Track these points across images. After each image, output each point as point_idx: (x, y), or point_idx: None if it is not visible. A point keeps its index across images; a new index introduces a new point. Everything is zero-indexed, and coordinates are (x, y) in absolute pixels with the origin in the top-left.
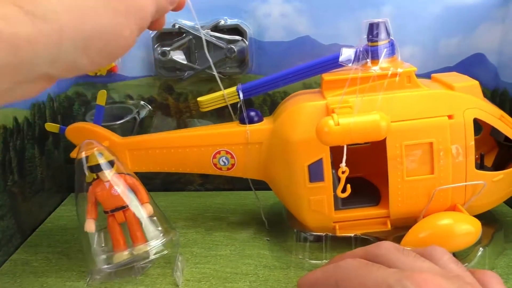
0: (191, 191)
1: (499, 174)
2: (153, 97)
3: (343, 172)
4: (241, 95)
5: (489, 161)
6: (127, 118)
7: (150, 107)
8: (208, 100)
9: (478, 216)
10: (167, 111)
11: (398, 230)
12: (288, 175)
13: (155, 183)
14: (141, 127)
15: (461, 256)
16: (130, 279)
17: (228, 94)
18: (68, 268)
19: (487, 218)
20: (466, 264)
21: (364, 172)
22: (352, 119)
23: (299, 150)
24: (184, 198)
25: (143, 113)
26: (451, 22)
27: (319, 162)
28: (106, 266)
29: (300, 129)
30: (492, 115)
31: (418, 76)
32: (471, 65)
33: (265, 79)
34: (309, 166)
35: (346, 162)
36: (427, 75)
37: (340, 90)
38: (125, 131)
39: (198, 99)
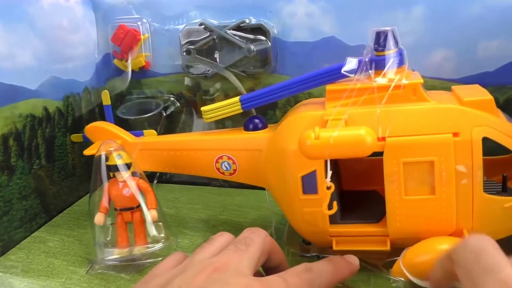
0: (215, 186)
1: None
2: (182, 93)
3: (328, 188)
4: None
5: None
6: (153, 113)
7: (178, 103)
8: (211, 110)
9: None
10: (194, 107)
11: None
12: (282, 185)
13: (182, 176)
14: (170, 121)
15: None
16: (126, 274)
17: (230, 104)
18: (76, 253)
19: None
20: None
21: (379, 185)
22: (334, 133)
23: (293, 160)
24: (206, 195)
25: (172, 108)
26: (491, 23)
27: (313, 174)
28: (106, 258)
29: (295, 139)
30: (506, 134)
31: (452, 81)
32: None
33: (268, 88)
34: (303, 178)
35: (360, 174)
36: (462, 81)
37: (341, 101)
38: (151, 124)
39: (202, 108)
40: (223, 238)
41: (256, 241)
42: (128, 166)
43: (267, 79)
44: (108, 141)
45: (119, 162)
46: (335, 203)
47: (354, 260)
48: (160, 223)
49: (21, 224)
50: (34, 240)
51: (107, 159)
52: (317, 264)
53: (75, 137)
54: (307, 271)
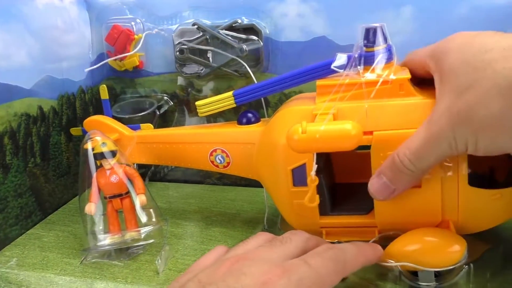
0: (209, 184)
1: (496, 193)
2: (175, 92)
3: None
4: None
5: None
6: (147, 112)
7: (171, 102)
8: (205, 105)
9: None
10: (188, 107)
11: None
12: (273, 177)
13: (176, 174)
14: (164, 120)
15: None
16: (119, 261)
17: (224, 99)
18: (70, 246)
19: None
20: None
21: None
22: (321, 127)
23: (284, 153)
24: (199, 191)
25: (165, 107)
26: (479, 24)
27: (303, 167)
28: (99, 244)
29: (285, 133)
30: None
31: None
32: None
33: (260, 83)
34: (293, 170)
35: (352, 167)
36: None
37: (330, 96)
38: (145, 123)
39: (196, 103)
40: (261, 237)
41: (295, 240)
42: (114, 153)
43: (259, 78)
44: (92, 131)
45: (104, 149)
46: (317, 197)
47: (377, 246)
48: (151, 209)
49: (16, 222)
50: (29, 237)
51: (93, 149)
52: (340, 244)
53: (75, 131)
54: (329, 248)
